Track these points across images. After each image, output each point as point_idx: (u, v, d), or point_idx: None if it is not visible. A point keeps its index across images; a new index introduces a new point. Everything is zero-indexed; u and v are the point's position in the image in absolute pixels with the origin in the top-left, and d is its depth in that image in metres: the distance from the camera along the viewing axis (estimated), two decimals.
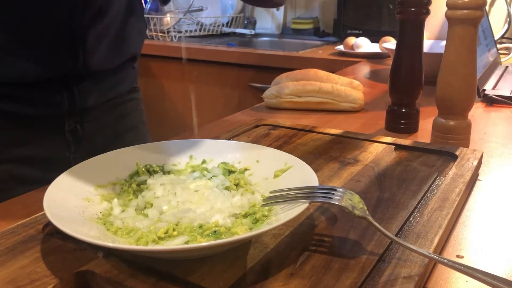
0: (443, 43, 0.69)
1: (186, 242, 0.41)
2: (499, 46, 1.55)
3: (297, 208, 0.41)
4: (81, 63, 0.74)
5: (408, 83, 0.78)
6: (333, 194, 0.43)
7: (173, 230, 0.42)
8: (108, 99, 0.84)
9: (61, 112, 0.76)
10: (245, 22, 2.48)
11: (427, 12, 0.74)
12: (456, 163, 0.61)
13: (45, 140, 0.76)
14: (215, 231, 0.42)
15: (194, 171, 0.55)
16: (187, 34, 2.30)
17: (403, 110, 0.80)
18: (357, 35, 1.83)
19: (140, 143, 0.59)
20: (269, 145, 0.67)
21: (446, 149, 0.65)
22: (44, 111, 0.74)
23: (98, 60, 0.77)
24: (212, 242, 0.40)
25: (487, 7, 1.91)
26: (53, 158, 0.77)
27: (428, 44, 1.31)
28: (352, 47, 1.77)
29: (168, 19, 2.30)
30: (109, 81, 0.83)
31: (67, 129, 0.78)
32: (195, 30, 2.34)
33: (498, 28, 1.88)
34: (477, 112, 0.94)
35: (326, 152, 0.66)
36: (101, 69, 0.79)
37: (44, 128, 0.76)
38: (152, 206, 0.47)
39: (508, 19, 1.89)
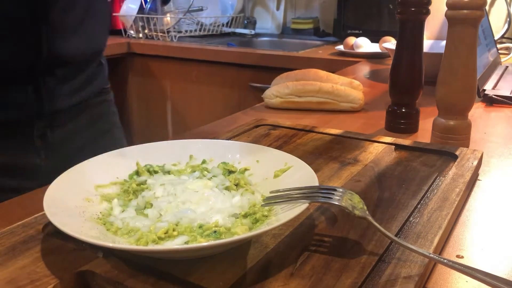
0: (443, 43, 0.69)
1: (186, 242, 0.41)
2: (499, 46, 1.55)
3: (297, 208, 0.41)
4: (45, 47, 0.69)
5: (408, 83, 0.78)
6: (333, 194, 0.43)
7: (173, 230, 0.42)
8: (78, 101, 0.80)
9: (30, 114, 0.72)
10: (245, 22, 2.48)
11: (427, 12, 0.74)
12: (456, 163, 0.61)
13: (14, 147, 0.72)
14: (215, 231, 0.42)
15: (194, 171, 0.55)
16: (187, 34, 2.30)
17: (403, 110, 0.80)
18: (357, 35, 1.83)
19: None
20: (269, 145, 0.67)
21: (446, 149, 0.65)
22: (11, 114, 0.70)
23: (63, 43, 0.72)
24: (212, 242, 0.40)
25: (487, 7, 1.91)
26: (23, 166, 0.73)
27: (428, 44, 1.31)
28: (352, 47, 1.77)
29: (168, 19, 2.30)
30: (77, 79, 0.78)
31: (36, 134, 0.74)
32: (195, 30, 2.34)
33: (498, 28, 1.88)
34: (477, 112, 0.94)
35: (326, 152, 0.66)
36: (67, 55, 0.74)
37: (13, 134, 0.72)
38: (152, 206, 0.47)
39: (508, 19, 1.89)
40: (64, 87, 0.76)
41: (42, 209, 0.41)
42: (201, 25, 2.35)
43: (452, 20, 0.65)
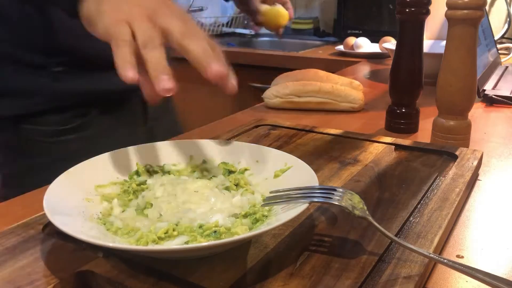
0: (443, 43, 0.69)
1: (186, 242, 0.41)
2: (499, 46, 1.55)
3: (297, 208, 0.41)
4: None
5: (408, 83, 0.78)
6: (333, 194, 0.43)
7: (173, 230, 0.42)
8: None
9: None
10: (245, 22, 2.48)
11: (427, 12, 0.74)
12: (456, 163, 0.61)
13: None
14: (215, 231, 0.42)
15: (194, 171, 0.55)
16: None
17: (403, 110, 0.80)
18: (357, 35, 1.83)
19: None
20: (269, 145, 0.67)
21: (446, 149, 0.65)
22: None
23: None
24: (212, 242, 0.40)
25: (487, 7, 1.91)
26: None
27: (428, 44, 1.31)
28: (352, 47, 1.77)
29: None
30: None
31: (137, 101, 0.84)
32: None
33: (498, 28, 1.88)
34: (477, 112, 0.94)
35: (326, 152, 0.66)
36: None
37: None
38: (152, 206, 0.47)
39: (508, 19, 1.89)
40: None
41: (42, 209, 0.41)
42: (201, 25, 2.35)
43: (452, 20, 0.65)
